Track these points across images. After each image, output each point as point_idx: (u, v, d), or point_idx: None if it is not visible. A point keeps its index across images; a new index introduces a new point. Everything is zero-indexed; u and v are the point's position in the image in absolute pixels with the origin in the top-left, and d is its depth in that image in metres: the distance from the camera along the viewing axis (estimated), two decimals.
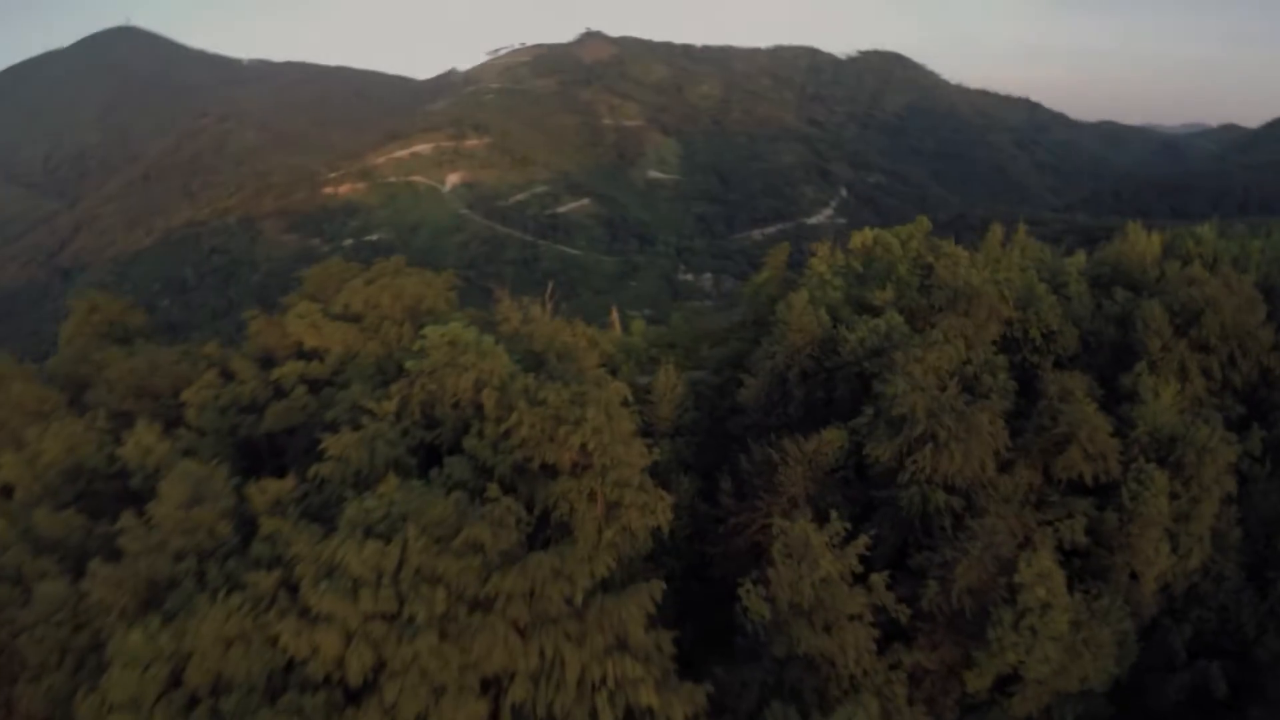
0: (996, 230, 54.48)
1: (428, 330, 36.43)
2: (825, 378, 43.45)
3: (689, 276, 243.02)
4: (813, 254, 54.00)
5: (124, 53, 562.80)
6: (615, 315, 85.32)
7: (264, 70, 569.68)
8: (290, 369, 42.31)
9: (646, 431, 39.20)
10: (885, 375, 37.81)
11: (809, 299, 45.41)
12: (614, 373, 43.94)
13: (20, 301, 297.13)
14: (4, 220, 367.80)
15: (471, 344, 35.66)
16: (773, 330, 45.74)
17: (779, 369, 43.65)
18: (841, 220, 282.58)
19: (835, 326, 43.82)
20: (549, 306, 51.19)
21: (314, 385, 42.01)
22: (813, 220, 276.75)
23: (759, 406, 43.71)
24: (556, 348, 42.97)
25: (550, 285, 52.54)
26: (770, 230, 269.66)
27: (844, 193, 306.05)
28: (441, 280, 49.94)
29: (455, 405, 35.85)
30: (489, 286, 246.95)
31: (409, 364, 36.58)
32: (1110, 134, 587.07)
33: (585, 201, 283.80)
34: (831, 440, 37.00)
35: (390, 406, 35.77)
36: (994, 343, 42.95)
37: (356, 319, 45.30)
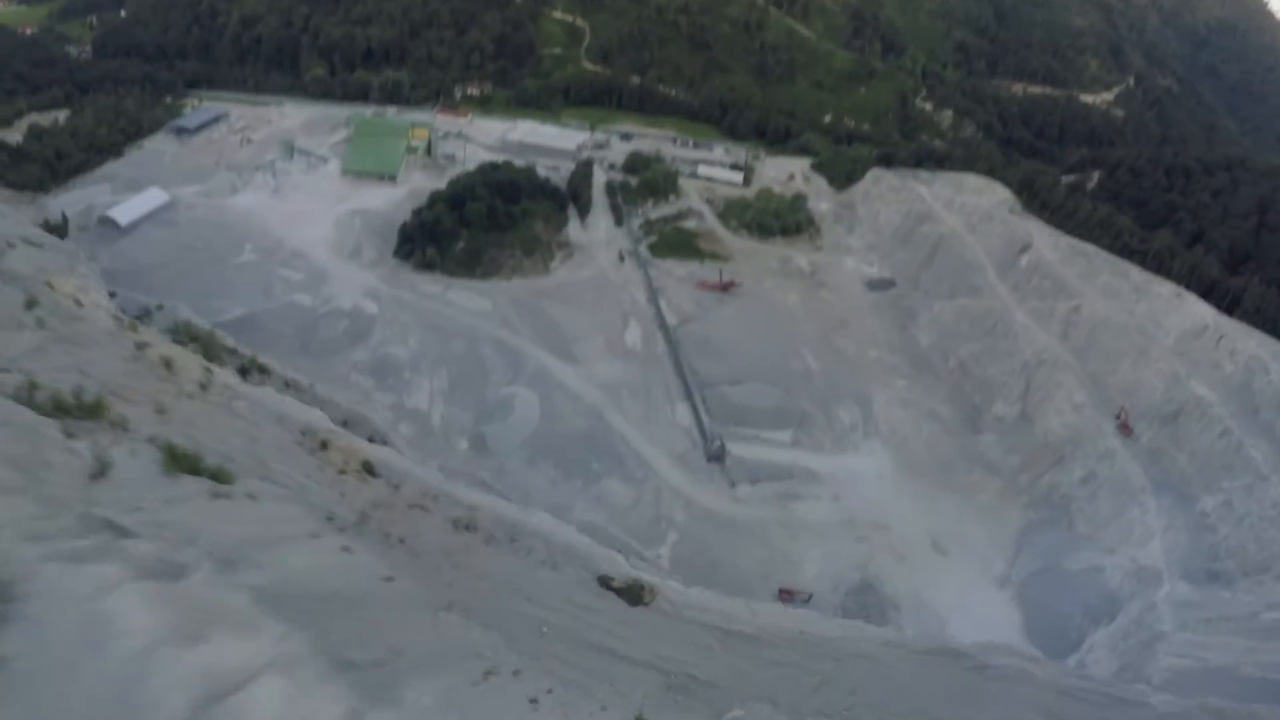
0: None
1: None
2: None
3: (928, 106, 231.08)
4: None
5: None
6: None
7: None
8: None
9: None
10: None
11: None
12: None
13: None
14: None
15: None
16: None
17: None
18: (1119, 112, 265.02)
19: None
20: None
21: None
22: (1087, 98, 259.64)
23: None
24: None
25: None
26: (1036, 90, 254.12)
27: (1131, 83, 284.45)
28: None
29: None
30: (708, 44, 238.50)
31: None
32: None
33: None
34: None
35: None
36: None
37: None
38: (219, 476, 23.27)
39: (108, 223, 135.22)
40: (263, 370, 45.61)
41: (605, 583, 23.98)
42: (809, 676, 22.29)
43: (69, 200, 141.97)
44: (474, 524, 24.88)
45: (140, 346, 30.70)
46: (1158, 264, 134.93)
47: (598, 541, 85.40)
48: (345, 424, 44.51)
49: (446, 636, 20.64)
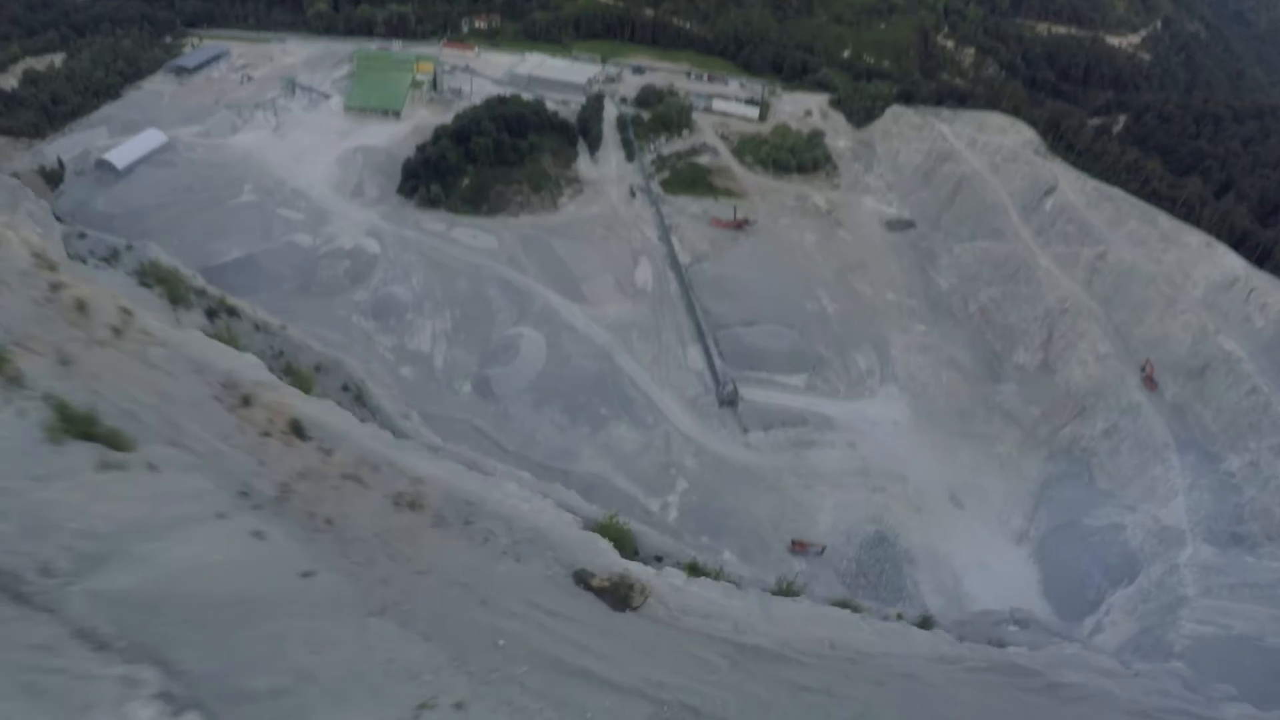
0: None
1: None
2: None
3: (949, 43, 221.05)
4: None
5: None
6: None
7: None
8: None
9: None
10: None
11: None
12: None
13: None
14: None
15: None
16: None
17: None
18: (1146, 56, 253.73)
19: None
20: None
21: None
22: (1113, 40, 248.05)
23: None
24: None
25: None
26: (1061, 30, 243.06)
27: (1158, 26, 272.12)
28: None
29: None
30: None
31: None
32: None
33: None
34: None
35: None
36: None
37: None
38: (115, 442, 18.30)
39: (104, 166, 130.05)
40: (232, 312, 40.93)
41: (583, 579, 18.91)
42: (842, 707, 17.38)
43: (65, 145, 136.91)
44: (420, 500, 19.71)
45: (55, 287, 25.59)
46: (1187, 212, 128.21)
47: (604, 489, 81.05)
48: (319, 369, 39.86)
49: (375, 653, 15.77)
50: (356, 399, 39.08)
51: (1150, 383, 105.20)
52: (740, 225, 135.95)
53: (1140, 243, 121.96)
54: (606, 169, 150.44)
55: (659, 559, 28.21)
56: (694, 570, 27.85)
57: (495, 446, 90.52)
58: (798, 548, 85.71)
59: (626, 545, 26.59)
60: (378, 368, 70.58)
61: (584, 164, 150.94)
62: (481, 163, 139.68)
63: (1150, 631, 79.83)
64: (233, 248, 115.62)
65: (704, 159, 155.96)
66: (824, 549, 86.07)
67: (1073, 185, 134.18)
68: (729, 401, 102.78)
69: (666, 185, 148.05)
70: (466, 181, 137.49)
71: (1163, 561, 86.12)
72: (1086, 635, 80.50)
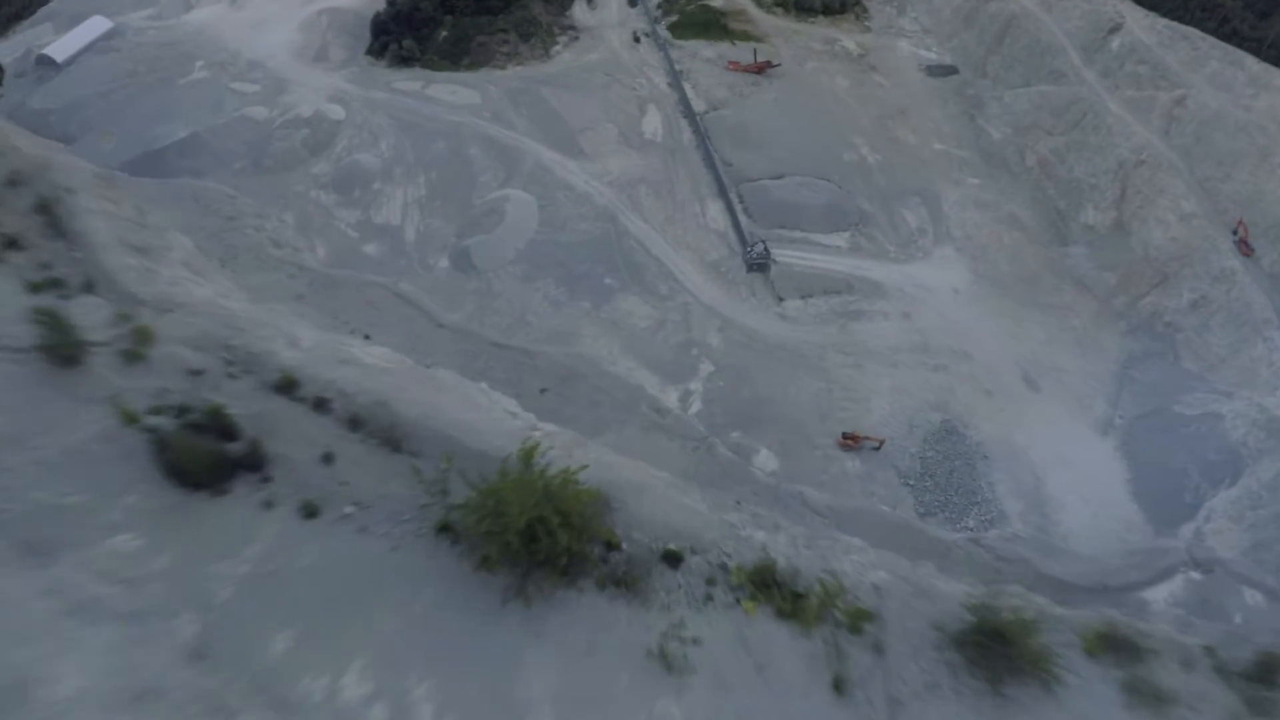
0: None
1: None
2: None
3: None
4: None
5: None
6: None
7: None
8: None
9: None
10: None
11: None
12: None
13: None
14: None
15: None
16: None
17: None
18: None
19: None
20: None
21: None
22: None
23: None
24: None
25: None
26: None
27: None
28: None
29: None
30: None
31: None
32: None
33: None
34: None
35: None
36: None
37: None
38: None
39: (45, 62, 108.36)
40: None
41: None
42: None
43: (8, 47, 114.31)
44: None
45: None
46: (1276, 55, 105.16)
47: (592, 377, 61.09)
48: (12, 182, 21.02)
49: None
50: (48, 225, 20.13)
51: (1245, 247, 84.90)
52: (762, 69, 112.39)
53: (1225, 87, 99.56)
54: (606, 14, 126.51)
55: (672, 559, 13.56)
56: (758, 584, 14.87)
57: (424, 317, 71.10)
58: (850, 442, 66.87)
59: (585, 526, 13.58)
60: (119, 173, 52.30)
61: (580, 10, 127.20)
62: (460, 12, 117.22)
63: (1269, 546, 62.90)
64: (179, 128, 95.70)
65: (716, 1, 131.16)
66: (881, 443, 67.23)
67: (1140, 23, 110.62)
68: (759, 265, 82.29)
69: (675, 30, 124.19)
70: (444, 34, 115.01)
71: (1273, 460, 68.28)
72: (1186, 546, 63.35)
